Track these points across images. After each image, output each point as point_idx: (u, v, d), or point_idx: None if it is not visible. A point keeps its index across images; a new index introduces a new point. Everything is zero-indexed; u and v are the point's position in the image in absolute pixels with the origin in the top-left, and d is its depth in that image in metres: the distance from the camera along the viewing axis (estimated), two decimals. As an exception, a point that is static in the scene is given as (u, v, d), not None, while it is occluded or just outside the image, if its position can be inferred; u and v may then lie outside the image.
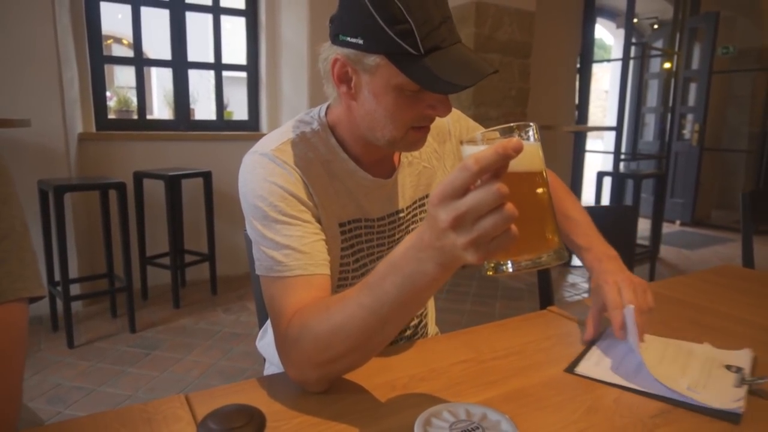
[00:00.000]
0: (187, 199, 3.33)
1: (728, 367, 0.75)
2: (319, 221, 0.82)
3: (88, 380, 2.21)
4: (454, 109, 0.98)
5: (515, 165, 0.49)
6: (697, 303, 1.10)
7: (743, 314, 1.02)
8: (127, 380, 2.22)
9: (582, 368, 0.78)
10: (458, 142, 1.00)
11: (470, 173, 0.48)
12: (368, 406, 0.68)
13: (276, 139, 0.83)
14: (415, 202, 0.96)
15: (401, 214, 0.94)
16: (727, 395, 0.67)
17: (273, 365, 1.01)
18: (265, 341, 1.04)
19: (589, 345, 0.86)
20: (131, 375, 2.27)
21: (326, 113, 0.88)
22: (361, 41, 0.71)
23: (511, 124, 0.53)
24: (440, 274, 0.55)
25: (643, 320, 0.81)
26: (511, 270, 0.53)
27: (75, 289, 2.80)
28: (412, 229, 0.96)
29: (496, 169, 0.48)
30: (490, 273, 0.54)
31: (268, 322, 1.04)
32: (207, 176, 3.15)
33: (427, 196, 0.97)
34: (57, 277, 2.62)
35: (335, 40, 0.75)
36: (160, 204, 3.12)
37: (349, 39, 0.72)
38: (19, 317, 0.59)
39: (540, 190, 0.55)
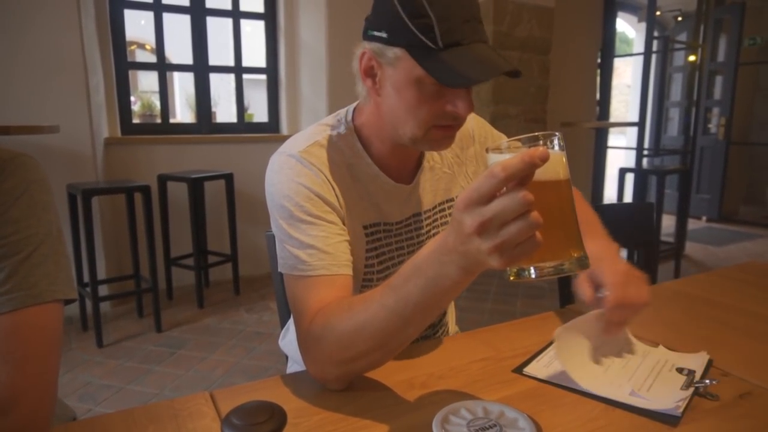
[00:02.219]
0: (209, 200, 3.39)
1: (680, 370, 0.75)
2: (343, 222, 0.83)
3: (116, 378, 2.27)
4: (476, 115, 0.98)
5: (540, 173, 0.50)
6: (719, 300, 1.08)
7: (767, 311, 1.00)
8: (154, 378, 2.27)
9: (531, 369, 0.78)
10: (482, 148, 1.01)
11: (497, 180, 0.49)
12: (387, 404, 0.69)
13: (303, 140, 0.85)
14: (434, 207, 0.96)
15: (420, 218, 0.95)
16: (670, 397, 0.67)
17: (296, 363, 1.03)
18: (287, 339, 1.06)
19: (542, 348, 0.85)
20: (157, 373, 2.32)
21: (353, 117, 0.89)
22: (385, 34, 0.74)
23: (537, 134, 0.54)
24: (462, 278, 0.57)
25: (624, 315, 0.77)
26: (533, 276, 0.54)
27: (103, 290, 2.87)
28: (433, 234, 0.96)
29: (522, 177, 0.49)
30: (513, 278, 0.55)
31: (290, 320, 1.06)
32: (229, 178, 3.19)
33: (446, 201, 0.98)
34: (86, 278, 2.69)
35: (365, 35, 0.78)
36: (183, 206, 3.18)
37: (375, 33, 0.75)
38: (55, 318, 0.62)
39: (564, 199, 0.55)
